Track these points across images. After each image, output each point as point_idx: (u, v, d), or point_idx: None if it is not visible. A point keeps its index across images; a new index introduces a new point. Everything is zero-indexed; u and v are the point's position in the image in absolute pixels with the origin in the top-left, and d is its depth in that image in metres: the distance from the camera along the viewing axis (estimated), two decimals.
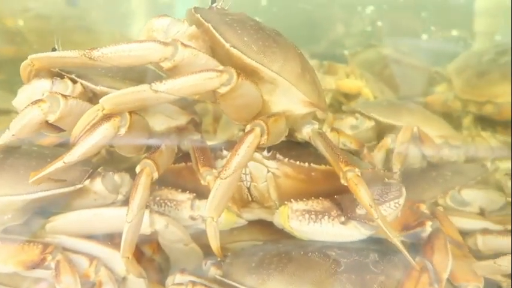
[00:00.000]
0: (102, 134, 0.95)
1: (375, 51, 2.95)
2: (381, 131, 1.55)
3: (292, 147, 1.20)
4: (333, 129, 1.27)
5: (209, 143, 1.26)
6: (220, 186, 0.94)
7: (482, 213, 1.28)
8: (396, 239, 1.00)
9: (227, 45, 0.95)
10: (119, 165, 1.42)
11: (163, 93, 0.91)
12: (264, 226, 1.33)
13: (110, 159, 1.49)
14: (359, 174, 0.99)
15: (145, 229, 1.15)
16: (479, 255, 1.14)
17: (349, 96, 2.28)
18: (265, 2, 3.58)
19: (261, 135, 0.92)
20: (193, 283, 1.10)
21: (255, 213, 1.26)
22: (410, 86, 2.58)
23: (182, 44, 0.91)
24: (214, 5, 1.12)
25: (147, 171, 1.01)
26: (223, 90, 0.91)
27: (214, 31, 0.96)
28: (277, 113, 1.02)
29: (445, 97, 2.27)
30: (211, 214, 0.96)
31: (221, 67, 0.91)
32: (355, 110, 1.59)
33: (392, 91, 2.55)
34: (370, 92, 2.23)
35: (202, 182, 1.08)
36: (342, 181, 1.00)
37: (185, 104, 1.17)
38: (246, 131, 0.93)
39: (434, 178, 1.49)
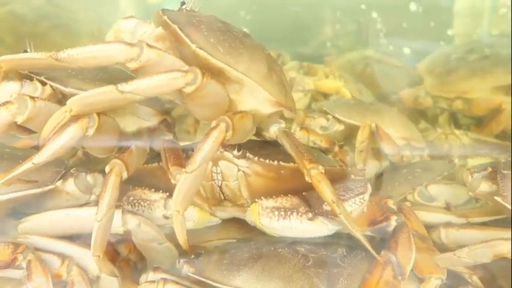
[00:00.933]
0: (70, 135, 0.96)
1: (357, 52, 3.02)
2: (350, 132, 1.58)
3: (262, 146, 1.21)
4: (302, 128, 1.29)
5: (189, 143, 1.28)
6: (185, 180, 0.95)
7: (448, 208, 1.31)
8: (359, 233, 1.02)
9: (193, 46, 0.97)
10: (95, 166, 1.43)
11: (129, 94, 0.92)
12: (242, 224, 1.35)
13: (86, 161, 1.49)
14: (322, 171, 1.01)
15: (118, 228, 1.15)
16: (443, 248, 1.17)
17: (328, 96, 2.31)
18: (255, 5, 3.60)
19: (226, 131, 0.93)
20: (165, 280, 1.11)
21: (229, 211, 1.27)
22: (391, 85, 2.63)
23: (148, 45, 0.92)
24: (183, 6, 1.14)
25: (116, 171, 1.01)
26: (188, 89, 0.93)
27: (180, 32, 0.97)
28: (243, 110, 1.03)
29: (416, 94, 2.32)
30: (177, 208, 0.97)
31: (186, 67, 0.93)
32: (321, 109, 1.62)
33: (373, 90, 2.59)
34: (348, 92, 2.27)
35: (172, 180, 1.09)
36: (306, 178, 1.02)
37: (157, 104, 1.18)
38: (211, 126, 0.94)
39: (405, 175, 1.52)
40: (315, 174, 1.01)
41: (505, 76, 2.07)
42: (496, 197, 1.04)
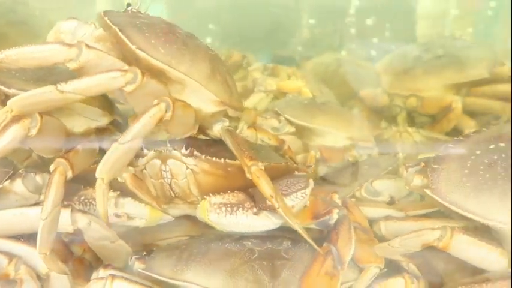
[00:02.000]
0: (12, 136, 0.96)
1: (331, 54, 3.09)
2: (303, 132, 1.63)
3: (210, 144, 1.23)
4: (250, 126, 1.32)
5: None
6: (116, 150, 0.96)
7: (392, 201, 1.36)
8: (297, 226, 1.06)
9: (133, 47, 0.98)
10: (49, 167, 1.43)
11: (69, 94, 0.93)
12: (196, 221, 1.37)
13: (41, 162, 1.49)
14: (262, 168, 1.04)
15: (68, 227, 1.15)
16: (384, 240, 1.22)
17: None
18: (235, 7, 3.63)
19: (166, 111, 0.95)
20: (113, 276, 1.12)
21: (181, 208, 1.29)
22: (360, 85, 2.69)
23: (87, 45, 0.94)
24: (129, 8, 1.16)
25: (60, 170, 1.02)
26: (129, 88, 0.95)
27: (120, 34, 0.98)
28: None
29: (375, 92, 2.39)
30: (102, 175, 0.98)
31: (126, 67, 0.95)
32: (273, 109, 1.66)
33: (343, 90, 2.65)
34: (310, 92, 2.32)
35: (118, 179, 1.11)
36: (247, 175, 1.05)
37: (106, 105, 1.19)
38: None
39: (353, 173, 1.57)
40: (254, 170, 1.04)
41: (456, 75, 2.15)
42: (425, 190, 1.09)
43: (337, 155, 1.56)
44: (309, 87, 2.31)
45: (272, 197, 1.03)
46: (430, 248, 1.08)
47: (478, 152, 1.10)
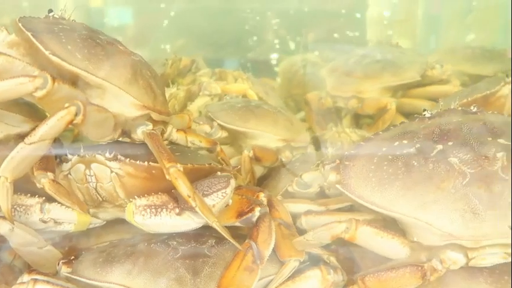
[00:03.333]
0: None
1: (298, 56, 3.17)
2: (236, 134, 1.67)
3: (135, 148, 1.25)
4: (179, 130, 1.35)
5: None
6: (21, 150, 0.98)
7: (322, 190, 1.41)
8: (215, 223, 1.09)
9: (46, 52, 0.99)
10: None
11: None
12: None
13: None
14: (180, 169, 1.08)
15: None
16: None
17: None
18: (206, 12, 3.66)
19: (76, 115, 0.97)
20: (35, 280, 1.12)
21: (110, 212, 1.30)
22: (316, 86, 2.77)
23: None
24: (50, 14, 1.17)
25: None
26: (39, 94, 0.96)
27: (33, 39, 0.99)
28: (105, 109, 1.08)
29: (319, 94, 2.47)
30: (5, 175, 0.99)
31: (36, 72, 0.96)
32: (206, 114, 1.69)
33: (304, 91, 2.73)
34: (255, 94, 2.37)
35: (37, 185, 1.12)
36: (166, 176, 1.08)
37: (27, 110, 1.19)
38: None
39: (286, 171, 1.63)
40: (172, 172, 1.07)
41: (392, 78, 2.26)
42: (337, 185, 1.15)
43: (270, 155, 1.61)
44: (254, 89, 2.36)
45: (189, 196, 1.06)
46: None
47: (384, 149, 1.17)
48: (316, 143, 2.09)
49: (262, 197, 1.32)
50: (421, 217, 1.06)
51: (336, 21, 3.75)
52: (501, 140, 1.10)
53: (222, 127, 1.65)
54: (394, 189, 1.10)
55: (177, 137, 1.33)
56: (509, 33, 3.21)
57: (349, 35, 3.83)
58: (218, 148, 1.47)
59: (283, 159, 1.63)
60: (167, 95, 2.11)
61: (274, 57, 3.64)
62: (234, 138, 1.68)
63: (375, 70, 2.31)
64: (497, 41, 3.33)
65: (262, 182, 1.73)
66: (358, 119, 2.54)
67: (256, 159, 1.59)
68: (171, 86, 2.17)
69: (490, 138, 1.11)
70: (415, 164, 1.11)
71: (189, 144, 1.38)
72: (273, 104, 2.39)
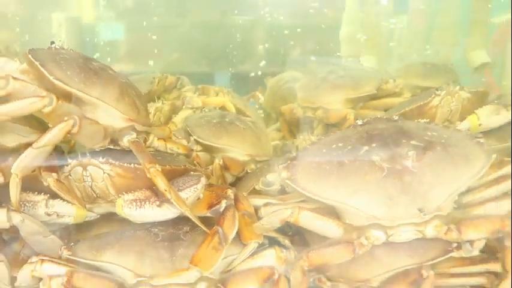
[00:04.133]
0: None
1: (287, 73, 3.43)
2: (209, 148, 1.93)
3: (123, 153, 1.50)
4: (159, 138, 1.60)
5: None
6: (30, 153, 1.23)
7: (283, 188, 1.65)
8: (187, 212, 1.34)
9: (51, 78, 1.25)
10: None
11: None
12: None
13: None
14: (159, 169, 1.33)
15: (4, 224, 1.39)
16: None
17: None
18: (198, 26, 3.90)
19: (73, 126, 1.23)
20: (42, 260, 1.36)
21: (103, 207, 1.54)
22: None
23: (13, 77, 1.20)
24: (53, 45, 1.43)
25: None
26: (46, 110, 1.21)
27: (41, 68, 1.25)
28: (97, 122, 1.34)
29: (292, 106, 2.74)
30: (16, 172, 1.25)
31: (44, 93, 1.21)
32: (185, 128, 1.94)
33: (283, 103, 2.99)
34: (233, 106, 2.64)
35: (44, 183, 1.36)
36: (148, 175, 1.33)
37: (34, 124, 1.44)
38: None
39: (255, 173, 1.89)
40: (152, 171, 1.32)
41: (352, 92, 2.54)
42: (287, 180, 1.41)
43: (238, 166, 1.89)
44: (233, 102, 2.63)
45: (166, 190, 1.31)
46: None
47: (324, 151, 1.44)
48: (287, 149, 2.36)
49: (230, 192, 1.57)
50: (350, 203, 1.33)
51: (317, 36, 4.04)
52: (413, 142, 1.37)
53: (197, 141, 1.91)
54: (330, 182, 1.36)
55: (158, 144, 1.58)
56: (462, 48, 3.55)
57: (327, 50, 4.11)
58: (194, 154, 1.72)
59: (249, 171, 1.90)
60: (153, 109, 2.38)
61: (265, 70, 3.87)
62: (208, 150, 1.94)
63: (338, 84, 2.59)
64: (456, 56, 3.66)
65: (236, 183, 1.99)
66: (329, 128, 2.81)
67: (225, 167, 1.85)
68: (156, 101, 2.43)
69: (404, 141, 1.38)
70: (346, 161, 1.37)
71: (169, 151, 1.63)
72: (251, 115, 2.68)
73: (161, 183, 1.31)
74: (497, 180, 1.39)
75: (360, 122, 1.51)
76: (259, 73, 3.88)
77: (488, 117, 1.92)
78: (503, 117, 1.93)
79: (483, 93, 2.03)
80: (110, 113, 1.37)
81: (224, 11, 3.94)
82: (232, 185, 1.96)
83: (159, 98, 2.65)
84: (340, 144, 1.43)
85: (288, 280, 1.40)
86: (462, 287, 1.43)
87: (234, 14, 3.93)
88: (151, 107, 2.30)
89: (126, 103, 1.41)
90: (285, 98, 3.10)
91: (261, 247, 1.47)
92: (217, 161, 1.83)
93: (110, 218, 1.59)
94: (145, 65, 3.87)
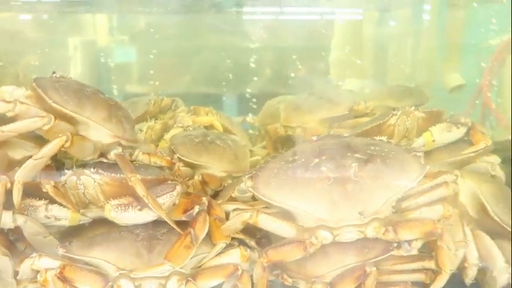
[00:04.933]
0: None
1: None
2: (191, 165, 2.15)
3: (111, 165, 1.72)
4: (144, 153, 1.83)
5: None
6: (30, 163, 1.46)
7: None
8: (163, 215, 1.55)
9: (50, 101, 1.50)
10: None
11: (8, 132, 1.44)
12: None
13: None
14: (139, 178, 1.55)
15: (10, 224, 1.60)
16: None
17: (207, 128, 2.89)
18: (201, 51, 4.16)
19: (66, 141, 1.46)
20: (40, 255, 1.57)
21: (94, 211, 1.75)
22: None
23: (20, 101, 1.46)
24: (54, 74, 1.68)
25: (3, 183, 1.49)
26: (46, 127, 1.46)
27: (42, 93, 1.50)
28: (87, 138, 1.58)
29: (277, 126, 2.97)
30: (18, 179, 1.47)
31: (44, 114, 1.46)
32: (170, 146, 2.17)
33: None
34: (220, 125, 2.87)
35: (43, 190, 1.59)
36: (129, 183, 1.55)
37: (37, 140, 1.68)
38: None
39: (233, 183, 2.10)
40: (133, 180, 1.54)
41: (326, 112, 2.76)
42: (249, 188, 1.62)
43: (215, 181, 2.10)
44: (221, 121, 2.86)
45: (144, 196, 1.53)
46: None
47: (282, 163, 1.65)
48: None
49: (204, 200, 1.78)
50: (301, 207, 1.53)
51: (314, 60, 4.29)
52: (357, 155, 1.58)
53: (180, 158, 2.13)
54: (285, 190, 1.56)
55: (143, 158, 1.81)
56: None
57: (319, 73, 4.34)
58: (176, 167, 1.95)
59: (226, 185, 2.12)
60: (145, 127, 2.62)
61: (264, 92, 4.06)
62: (190, 166, 2.16)
63: (315, 106, 2.82)
64: (437, 79, 3.87)
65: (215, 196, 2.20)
66: None
67: (204, 182, 2.07)
68: (148, 120, 2.68)
69: (349, 154, 1.58)
70: (299, 172, 1.58)
71: (152, 164, 1.86)
72: (237, 133, 2.90)
73: (140, 190, 1.53)
74: (431, 188, 1.58)
75: (315, 138, 1.72)
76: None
77: (441, 134, 2.13)
78: (454, 134, 2.13)
79: (438, 113, 2.23)
80: (98, 131, 1.61)
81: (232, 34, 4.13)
82: (213, 197, 2.18)
83: (156, 119, 2.90)
84: (296, 157, 1.64)
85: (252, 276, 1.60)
86: (404, 282, 1.60)
87: (243, 39, 4.12)
88: (144, 126, 2.55)
89: (113, 122, 1.64)
90: (274, 118, 3.33)
91: (229, 247, 1.67)
92: (197, 177, 2.05)
93: (101, 221, 1.82)
94: (154, 86, 4.11)
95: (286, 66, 4.28)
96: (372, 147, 1.63)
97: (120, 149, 1.65)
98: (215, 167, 2.16)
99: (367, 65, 4.17)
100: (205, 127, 2.82)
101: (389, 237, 1.51)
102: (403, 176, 1.54)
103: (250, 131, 3.63)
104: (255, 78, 4.22)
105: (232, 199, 1.95)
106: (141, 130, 2.53)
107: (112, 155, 1.64)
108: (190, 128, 2.52)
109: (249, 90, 4.13)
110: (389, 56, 4.08)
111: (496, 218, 1.60)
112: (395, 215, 1.55)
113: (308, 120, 2.79)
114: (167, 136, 2.62)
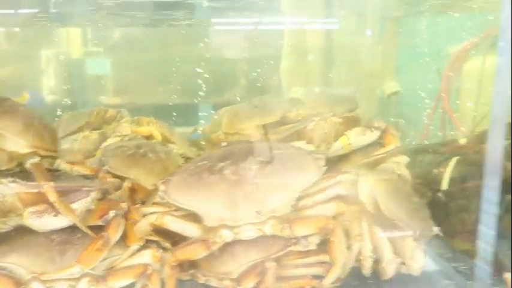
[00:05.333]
0: None
1: None
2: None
3: (29, 174, 1.81)
4: (67, 162, 1.90)
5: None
6: None
7: None
8: (76, 221, 1.62)
9: None
10: None
11: None
12: None
13: None
14: (51, 185, 1.62)
15: None
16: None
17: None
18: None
19: None
20: None
21: (14, 220, 1.80)
22: None
23: None
24: None
25: None
26: None
27: None
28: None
29: (219, 133, 3.07)
30: None
31: None
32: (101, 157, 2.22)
33: None
34: (159, 134, 2.95)
35: None
36: (42, 191, 1.63)
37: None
38: None
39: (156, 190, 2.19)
40: (45, 187, 1.62)
41: (261, 119, 2.88)
42: (161, 192, 1.71)
43: (144, 191, 2.14)
44: (160, 131, 2.94)
45: (55, 202, 1.61)
46: None
47: (192, 168, 1.75)
48: None
49: (123, 205, 1.86)
50: (204, 208, 1.63)
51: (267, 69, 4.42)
52: (258, 158, 1.70)
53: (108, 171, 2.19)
54: (191, 192, 1.67)
55: (64, 167, 1.88)
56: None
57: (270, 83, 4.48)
58: (101, 174, 2.02)
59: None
60: (80, 137, 2.68)
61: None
62: (119, 178, 2.19)
63: (250, 114, 2.94)
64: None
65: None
66: None
67: (133, 190, 2.13)
68: (85, 130, 2.74)
69: (251, 157, 1.70)
70: (205, 176, 1.69)
71: (75, 173, 1.94)
72: (176, 142, 2.99)
73: (52, 196, 1.61)
74: (327, 188, 1.71)
75: (224, 144, 1.83)
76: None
77: (356, 137, 2.28)
78: (368, 137, 2.29)
79: (354, 118, 2.39)
80: (15, 142, 1.68)
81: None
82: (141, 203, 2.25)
83: (99, 129, 2.96)
84: (204, 162, 1.75)
85: None
86: (304, 276, 1.72)
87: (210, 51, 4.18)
88: (79, 136, 2.61)
89: (29, 133, 1.72)
90: (220, 126, 3.43)
91: (143, 248, 1.76)
92: (126, 184, 2.12)
93: (24, 228, 1.88)
94: (129, 97, 4.15)
95: (243, 75, 4.42)
96: (275, 151, 1.75)
97: (37, 158, 1.73)
98: (144, 181, 2.20)
99: (315, 74, 4.35)
100: (146, 137, 2.91)
101: (286, 234, 1.62)
102: (299, 177, 1.67)
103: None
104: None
105: (156, 204, 2.04)
106: (76, 140, 2.59)
107: (28, 165, 1.71)
108: (126, 138, 2.59)
109: (219, 99, 4.25)
110: (336, 64, 4.27)
111: (386, 213, 1.74)
112: (292, 213, 1.67)
113: (245, 127, 2.90)
114: (103, 145, 2.69)
